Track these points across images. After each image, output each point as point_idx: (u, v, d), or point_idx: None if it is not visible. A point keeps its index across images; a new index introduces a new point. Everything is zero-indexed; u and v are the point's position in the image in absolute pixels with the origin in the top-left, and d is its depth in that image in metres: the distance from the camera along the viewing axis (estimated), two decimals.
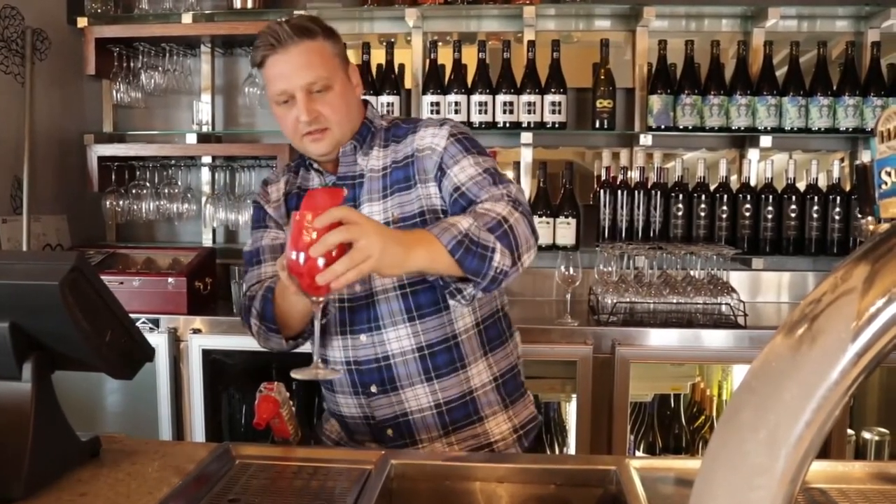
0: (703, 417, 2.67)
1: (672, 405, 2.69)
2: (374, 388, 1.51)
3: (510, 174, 2.89)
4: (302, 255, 1.12)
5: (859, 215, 1.68)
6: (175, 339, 2.60)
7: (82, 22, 2.97)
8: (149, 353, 1.34)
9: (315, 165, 1.59)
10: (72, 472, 1.25)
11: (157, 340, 2.56)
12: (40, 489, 1.17)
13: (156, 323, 2.60)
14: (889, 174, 1.33)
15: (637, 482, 1.22)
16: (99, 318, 1.21)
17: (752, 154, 2.89)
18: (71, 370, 1.30)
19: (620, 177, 2.84)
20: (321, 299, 1.18)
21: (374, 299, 1.50)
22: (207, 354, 2.60)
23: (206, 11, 3.02)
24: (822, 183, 2.80)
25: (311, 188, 1.58)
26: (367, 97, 2.86)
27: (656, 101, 2.81)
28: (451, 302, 1.43)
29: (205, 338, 2.59)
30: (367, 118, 1.58)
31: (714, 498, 0.86)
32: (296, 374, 1.22)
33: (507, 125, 2.83)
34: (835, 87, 2.77)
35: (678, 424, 2.67)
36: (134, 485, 1.21)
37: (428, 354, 1.49)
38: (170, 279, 2.66)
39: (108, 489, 1.19)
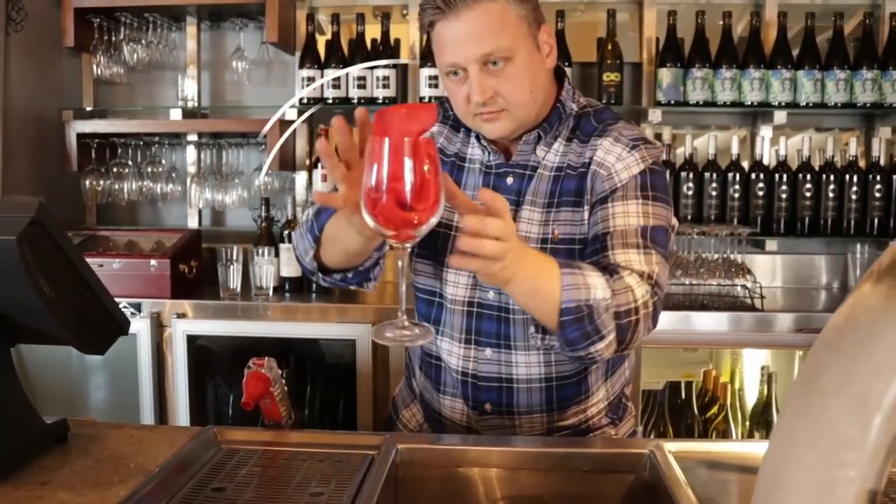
0: (715, 407, 2.54)
1: (683, 394, 2.56)
2: (488, 407, 1.35)
3: None
4: (384, 182, 0.87)
5: None
6: (158, 325, 2.44)
7: None
8: (123, 324, 1.19)
9: (482, 139, 1.33)
10: (34, 458, 1.10)
11: (139, 326, 2.40)
12: None
13: (137, 307, 2.45)
14: None
15: (675, 467, 1.08)
16: (64, 282, 1.06)
17: (765, 131, 2.76)
18: (34, 343, 1.16)
19: None
20: (408, 245, 0.93)
21: (509, 317, 1.31)
22: (192, 340, 2.44)
23: None
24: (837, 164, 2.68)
25: (469, 157, 1.36)
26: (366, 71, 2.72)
27: (665, 75, 2.67)
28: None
29: (190, 323, 2.44)
30: (560, 100, 1.32)
31: (791, 478, 0.69)
32: (378, 339, 0.97)
33: None
34: (852, 61, 2.65)
35: (690, 414, 2.54)
36: (104, 472, 1.06)
37: (555, 386, 1.34)
38: (152, 261, 2.50)
39: (73, 477, 1.04)
